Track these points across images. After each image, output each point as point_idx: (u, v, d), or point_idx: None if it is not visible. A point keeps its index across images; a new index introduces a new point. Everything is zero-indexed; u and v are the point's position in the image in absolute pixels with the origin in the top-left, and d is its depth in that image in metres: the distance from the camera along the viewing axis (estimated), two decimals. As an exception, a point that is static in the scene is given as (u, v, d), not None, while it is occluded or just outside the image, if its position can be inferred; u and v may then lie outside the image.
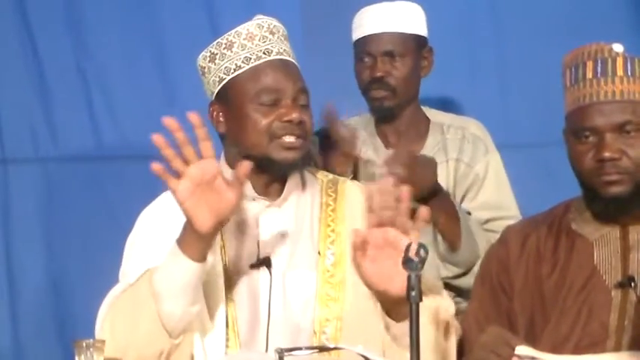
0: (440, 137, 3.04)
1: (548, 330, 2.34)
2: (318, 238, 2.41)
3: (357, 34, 3.03)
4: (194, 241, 2.20)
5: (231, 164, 2.39)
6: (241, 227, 2.33)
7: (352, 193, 2.50)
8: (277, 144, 2.36)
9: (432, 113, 3.10)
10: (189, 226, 2.18)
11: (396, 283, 2.11)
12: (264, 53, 2.40)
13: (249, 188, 2.40)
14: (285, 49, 2.42)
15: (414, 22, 3.02)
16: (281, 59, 2.40)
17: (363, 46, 3.00)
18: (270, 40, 2.41)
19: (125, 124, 3.61)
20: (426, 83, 3.11)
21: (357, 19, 3.05)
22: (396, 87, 2.98)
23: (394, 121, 3.03)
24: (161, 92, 3.62)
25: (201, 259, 2.21)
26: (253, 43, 2.40)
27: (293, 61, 2.43)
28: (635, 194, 2.32)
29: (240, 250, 2.36)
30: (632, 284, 2.30)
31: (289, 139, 2.36)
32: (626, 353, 2.25)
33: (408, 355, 1.97)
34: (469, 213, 2.96)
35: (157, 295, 2.22)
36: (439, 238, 2.87)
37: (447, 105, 3.40)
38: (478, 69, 3.62)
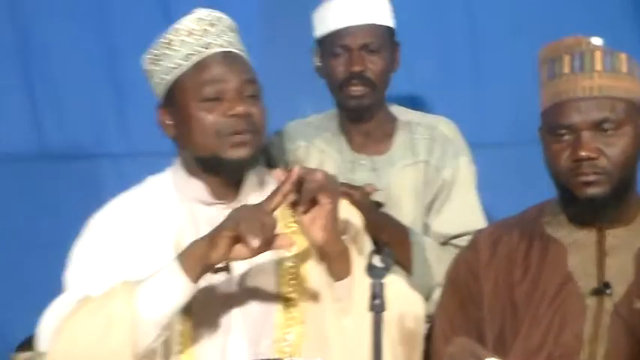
0: (408, 137, 2.96)
1: (519, 340, 2.30)
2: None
3: (324, 27, 2.93)
4: (202, 265, 2.15)
5: (187, 169, 2.36)
6: (198, 234, 2.24)
7: None
8: (225, 142, 2.29)
9: (399, 111, 3.04)
10: (206, 252, 2.14)
11: (315, 231, 2.20)
12: (204, 47, 2.33)
13: (203, 192, 2.35)
14: (228, 41, 2.36)
15: (385, 13, 2.97)
16: (223, 51, 2.34)
17: (336, 39, 2.91)
18: (210, 33, 2.34)
19: (70, 121, 3.53)
20: (396, 79, 3.05)
21: (322, 12, 2.96)
22: (376, 82, 2.91)
23: (363, 119, 2.93)
24: (110, 87, 3.55)
25: (197, 280, 2.18)
26: (193, 38, 2.33)
27: (237, 52, 2.36)
28: (612, 196, 2.29)
29: None
30: (608, 291, 2.26)
31: (237, 135, 2.29)
32: (599, 362, 2.22)
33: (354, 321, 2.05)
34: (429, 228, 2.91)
35: (138, 312, 2.15)
36: None
37: (417, 102, 3.37)
38: (450, 66, 3.57)
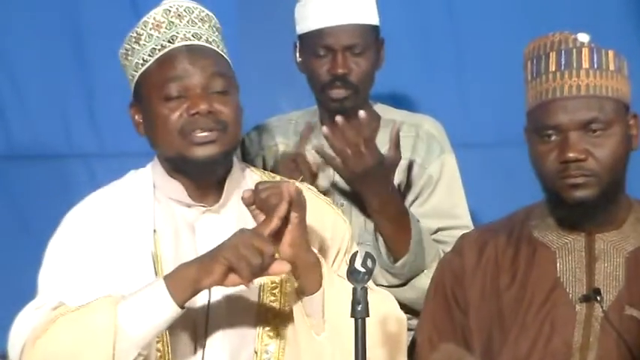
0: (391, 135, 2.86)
1: (507, 348, 2.26)
2: None
3: (307, 25, 2.88)
4: (192, 290, 2.12)
5: (164, 167, 2.32)
6: (177, 236, 2.24)
7: None
8: (189, 141, 2.24)
9: (382, 109, 3.00)
10: (199, 277, 2.10)
11: (284, 248, 2.18)
12: (169, 41, 2.28)
13: (181, 193, 2.30)
14: (196, 33, 2.30)
15: (370, 11, 2.93)
16: (187, 45, 2.28)
17: (318, 39, 2.86)
18: (176, 26, 2.28)
19: (37, 120, 3.48)
20: (379, 79, 3.01)
21: (304, 9, 2.89)
22: (359, 85, 2.86)
23: (345, 118, 2.84)
24: (79, 87, 3.50)
25: (183, 305, 2.14)
26: (160, 31, 2.28)
27: (206, 44, 2.30)
28: (601, 199, 2.26)
29: (177, 261, 2.22)
30: (598, 298, 2.22)
31: (201, 133, 2.23)
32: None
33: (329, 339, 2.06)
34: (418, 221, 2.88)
35: (121, 330, 2.11)
36: (381, 244, 2.78)
37: (401, 103, 3.34)
38: (435, 65, 3.55)
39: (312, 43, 2.87)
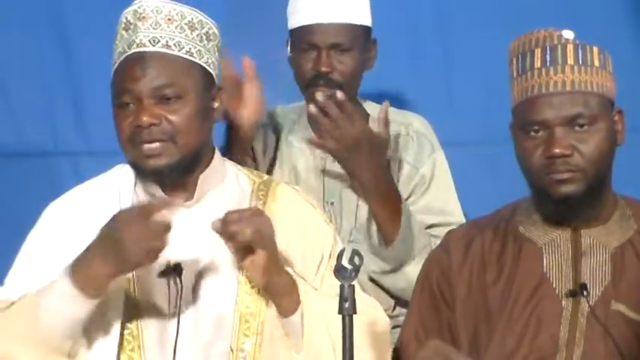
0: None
1: (493, 343, 2.27)
2: None
3: (297, 20, 2.90)
4: (106, 278, 2.11)
5: None
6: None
7: (284, 196, 2.39)
8: (139, 151, 2.24)
9: (371, 107, 2.98)
10: (114, 263, 2.09)
11: (255, 275, 2.20)
12: (128, 47, 2.26)
13: (158, 190, 2.30)
14: (154, 37, 2.25)
15: (362, 11, 2.94)
16: (140, 52, 2.24)
17: (305, 35, 2.88)
18: (138, 30, 2.26)
19: (23, 118, 3.47)
20: (367, 76, 3.02)
21: (296, 3, 2.93)
22: (343, 84, 2.87)
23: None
24: (66, 85, 3.48)
25: (99, 295, 2.14)
26: (127, 33, 2.27)
27: (162, 49, 2.25)
28: (587, 194, 2.27)
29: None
30: (584, 293, 2.23)
31: (146, 145, 2.22)
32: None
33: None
34: None
35: (41, 328, 2.13)
36: (373, 228, 2.79)
37: (389, 100, 3.25)
38: (422, 63, 3.55)
39: (299, 38, 2.89)
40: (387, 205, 2.76)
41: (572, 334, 2.22)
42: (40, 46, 3.48)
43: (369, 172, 2.74)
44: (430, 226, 2.89)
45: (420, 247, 2.77)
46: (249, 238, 2.14)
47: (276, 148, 2.98)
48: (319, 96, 2.74)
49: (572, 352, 2.21)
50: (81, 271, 2.10)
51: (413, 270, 2.68)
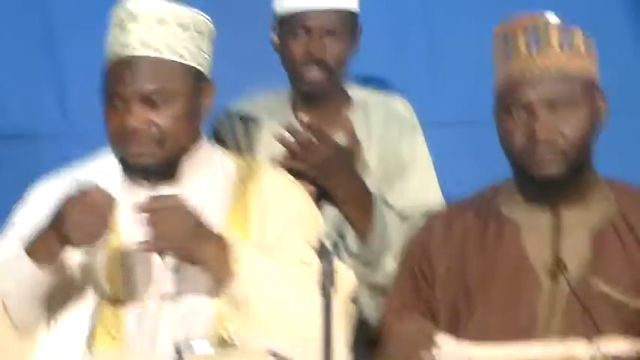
0: (362, 116, 2.91)
1: (472, 322, 2.30)
2: (226, 226, 2.30)
3: (286, 5, 2.86)
4: (54, 250, 2.16)
5: None
6: (134, 211, 2.21)
7: (266, 174, 2.42)
8: (125, 150, 2.28)
9: (352, 90, 2.99)
10: (59, 240, 2.14)
11: None
12: (119, 47, 2.28)
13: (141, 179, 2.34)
14: (144, 41, 2.26)
15: None
16: (131, 56, 2.26)
17: (297, 20, 2.89)
18: (129, 32, 2.27)
19: (6, 100, 3.42)
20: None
21: None
22: (334, 68, 2.88)
23: (318, 102, 2.87)
24: (49, 65, 3.43)
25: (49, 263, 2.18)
26: (120, 32, 2.28)
27: (152, 53, 2.26)
28: (568, 175, 2.30)
29: (135, 236, 2.23)
30: (564, 272, 2.26)
31: (133, 147, 2.25)
32: (554, 342, 2.22)
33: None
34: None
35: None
36: (349, 231, 2.79)
37: (371, 81, 3.32)
38: (405, 44, 3.53)
39: (291, 24, 2.89)
40: (360, 209, 2.76)
41: (552, 311, 2.25)
42: (23, 28, 3.42)
43: (342, 188, 2.72)
44: (409, 211, 2.85)
45: (398, 242, 2.73)
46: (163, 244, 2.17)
47: (260, 136, 2.96)
48: (286, 123, 2.71)
49: (551, 331, 2.23)
50: (33, 238, 2.15)
51: (391, 266, 2.69)
